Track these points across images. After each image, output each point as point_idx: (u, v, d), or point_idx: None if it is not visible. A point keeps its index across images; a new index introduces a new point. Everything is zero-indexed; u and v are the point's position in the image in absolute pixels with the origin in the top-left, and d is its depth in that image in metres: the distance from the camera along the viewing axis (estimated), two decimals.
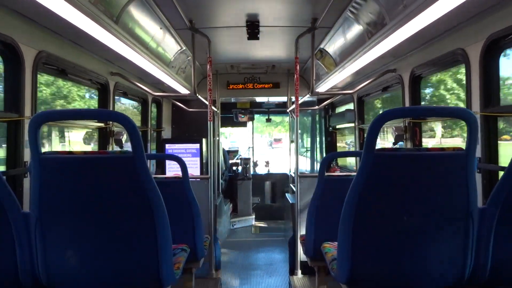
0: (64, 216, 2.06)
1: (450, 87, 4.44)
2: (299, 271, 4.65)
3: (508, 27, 2.75)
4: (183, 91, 6.31)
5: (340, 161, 8.24)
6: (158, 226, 2.05)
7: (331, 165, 7.90)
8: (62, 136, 4.84)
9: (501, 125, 3.17)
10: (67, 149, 4.95)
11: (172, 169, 7.15)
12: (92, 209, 2.04)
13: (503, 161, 3.03)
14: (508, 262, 2.10)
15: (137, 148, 1.97)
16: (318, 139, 9.59)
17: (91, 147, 5.21)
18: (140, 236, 2.09)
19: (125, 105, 5.73)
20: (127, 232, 2.08)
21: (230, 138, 22.89)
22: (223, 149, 8.83)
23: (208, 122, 4.76)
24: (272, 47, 5.77)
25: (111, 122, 4.79)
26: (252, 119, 9.10)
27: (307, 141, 10.68)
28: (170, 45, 5.09)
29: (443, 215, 2.03)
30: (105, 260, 2.10)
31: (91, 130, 4.99)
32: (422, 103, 4.43)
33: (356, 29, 4.21)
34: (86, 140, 5.08)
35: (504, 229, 2.05)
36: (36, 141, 1.94)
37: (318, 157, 9.63)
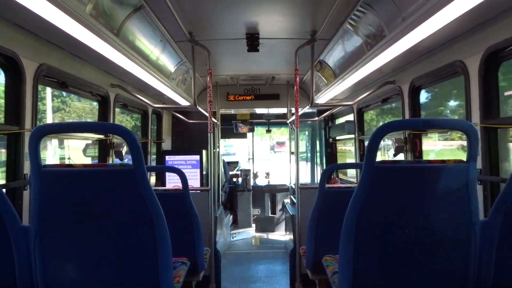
0: (64, 229, 2.05)
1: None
2: (300, 284, 4.61)
3: (506, 39, 2.76)
4: (183, 102, 6.33)
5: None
6: (158, 239, 2.04)
7: (332, 176, 7.89)
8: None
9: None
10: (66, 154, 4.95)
11: (172, 181, 7.14)
12: (92, 222, 2.03)
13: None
14: (510, 274, 2.09)
15: (138, 161, 1.97)
16: (318, 150, 9.60)
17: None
18: (140, 249, 2.07)
19: None
20: (127, 245, 2.06)
21: (226, 142, 22.07)
22: (223, 161, 8.83)
23: (208, 134, 4.76)
24: (271, 59, 5.80)
25: (111, 134, 4.79)
26: (252, 130, 9.13)
27: (308, 152, 10.68)
28: (170, 57, 5.12)
29: (445, 227, 2.02)
30: (104, 274, 2.09)
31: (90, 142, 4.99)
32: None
33: (355, 41, 4.23)
34: (87, 150, 5.07)
35: (506, 241, 2.04)
36: (37, 154, 1.94)
37: (319, 169, 9.61)
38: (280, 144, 30.42)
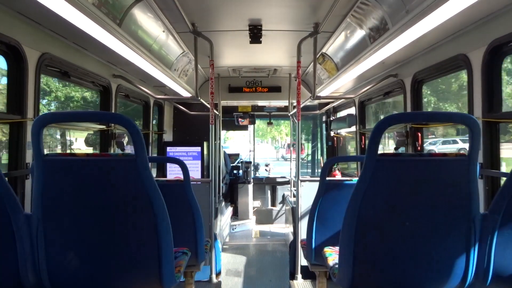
0: (66, 217, 2.06)
1: None
2: (300, 276, 4.64)
3: (510, 33, 2.75)
4: (185, 94, 6.32)
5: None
6: (160, 229, 2.05)
7: (332, 168, 7.91)
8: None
9: None
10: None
11: (173, 172, 7.15)
12: (94, 211, 2.04)
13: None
14: (510, 268, 2.10)
15: (140, 151, 1.97)
16: (319, 143, 9.61)
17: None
18: (141, 238, 2.09)
19: None
20: (128, 234, 2.08)
21: (223, 144, 20.30)
22: (224, 152, 8.84)
23: (210, 125, 4.76)
24: (274, 51, 5.78)
25: (112, 125, 4.79)
26: (253, 122, 9.13)
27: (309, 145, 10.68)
28: (173, 48, 5.10)
29: (445, 220, 2.03)
30: (106, 262, 2.10)
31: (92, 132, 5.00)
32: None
33: (358, 34, 4.22)
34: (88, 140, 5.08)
35: (506, 235, 2.05)
36: (39, 142, 1.94)
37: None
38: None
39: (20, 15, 2.88)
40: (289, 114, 7.45)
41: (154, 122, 7.00)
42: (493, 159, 3.06)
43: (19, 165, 3.05)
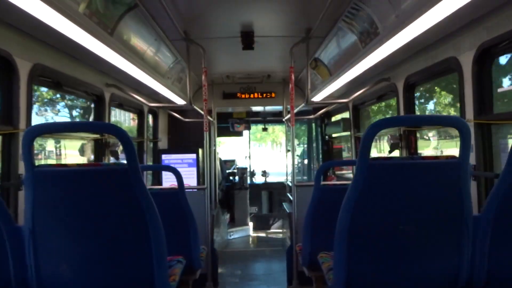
0: (58, 229, 2.04)
1: None
2: (297, 281, 4.63)
3: (499, 36, 2.78)
4: (179, 101, 6.32)
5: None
6: (153, 238, 2.04)
7: (328, 173, 7.90)
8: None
9: None
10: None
11: (169, 180, 7.13)
12: (86, 222, 2.03)
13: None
14: (503, 269, 2.10)
15: (132, 160, 1.97)
16: (314, 147, 9.62)
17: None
18: (134, 248, 2.08)
19: None
20: (121, 244, 2.07)
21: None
22: (220, 159, 8.83)
23: (204, 132, 4.76)
24: (267, 57, 5.80)
25: (106, 134, 4.78)
26: (248, 128, 9.14)
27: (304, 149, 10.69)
28: (165, 56, 5.11)
29: (438, 223, 2.04)
30: (99, 273, 2.09)
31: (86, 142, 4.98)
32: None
33: (350, 39, 4.24)
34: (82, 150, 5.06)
35: (499, 236, 2.05)
36: (30, 154, 1.94)
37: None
38: None
39: (11, 26, 2.88)
40: (283, 119, 7.46)
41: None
42: (486, 160, 3.07)
43: (11, 177, 3.03)
